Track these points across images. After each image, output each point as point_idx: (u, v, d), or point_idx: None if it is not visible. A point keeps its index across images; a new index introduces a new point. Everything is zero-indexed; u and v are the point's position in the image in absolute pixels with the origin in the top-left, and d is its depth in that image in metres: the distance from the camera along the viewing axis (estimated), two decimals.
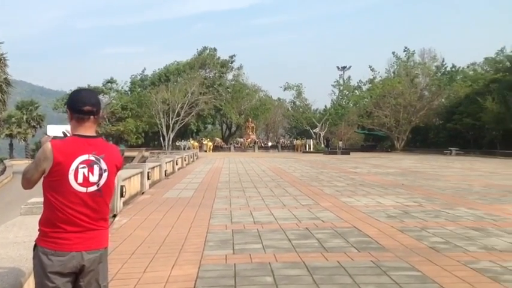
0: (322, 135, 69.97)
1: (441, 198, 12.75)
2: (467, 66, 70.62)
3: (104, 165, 2.85)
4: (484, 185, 16.51)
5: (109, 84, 74.65)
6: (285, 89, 73.28)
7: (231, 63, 78.12)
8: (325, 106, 77.75)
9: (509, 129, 47.91)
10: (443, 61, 68.49)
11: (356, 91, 73.84)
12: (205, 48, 77.35)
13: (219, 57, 76.99)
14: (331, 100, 75.60)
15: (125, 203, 11.63)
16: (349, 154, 52.72)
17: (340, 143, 62.07)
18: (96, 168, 2.83)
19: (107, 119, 67.63)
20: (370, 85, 71.64)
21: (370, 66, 71.05)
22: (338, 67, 79.43)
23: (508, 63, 55.60)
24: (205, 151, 61.06)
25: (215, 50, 77.22)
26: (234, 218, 9.58)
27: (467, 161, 35.45)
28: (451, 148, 51.43)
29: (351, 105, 73.03)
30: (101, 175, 2.84)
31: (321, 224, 8.77)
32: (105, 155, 2.87)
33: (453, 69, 68.41)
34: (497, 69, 58.29)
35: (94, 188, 2.83)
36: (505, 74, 53.84)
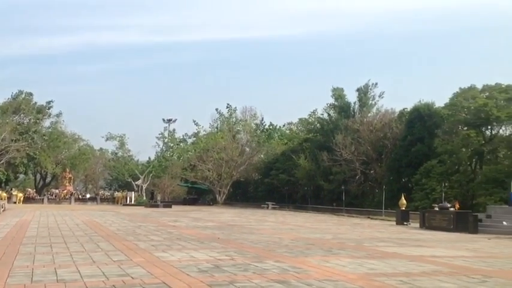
0: (144, 188, 68.95)
1: (252, 251, 13.19)
2: (284, 125, 75.93)
3: None
4: (292, 238, 17.52)
5: None
6: (107, 139, 71.41)
7: (48, 109, 73.61)
8: (149, 158, 77.07)
9: (319, 185, 51.93)
10: (262, 119, 72.76)
11: (181, 144, 74.74)
12: (20, 92, 72.11)
13: (35, 103, 72.20)
14: (156, 152, 75.37)
15: None
16: (171, 207, 52.50)
17: (159, 195, 61.69)
18: None
19: None
20: (195, 139, 73.15)
21: (194, 121, 72.80)
22: (164, 119, 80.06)
23: (318, 125, 61.09)
24: (15, 203, 56.29)
25: (31, 94, 72.30)
26: (35, 277, 8.82)
27: (281, 215, 37.49)
28: (268, 202, 54.15)
29: (175, 157, 73.52)
30: None
31: (129, 281, 8.46)
32: None
33: (271, 127, 72.99)
34: (310, 130, 63.68)
35: None
36: (315, 134, 59.01)
